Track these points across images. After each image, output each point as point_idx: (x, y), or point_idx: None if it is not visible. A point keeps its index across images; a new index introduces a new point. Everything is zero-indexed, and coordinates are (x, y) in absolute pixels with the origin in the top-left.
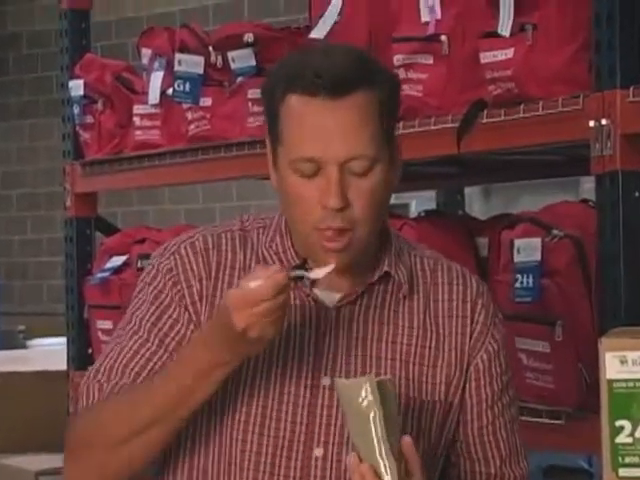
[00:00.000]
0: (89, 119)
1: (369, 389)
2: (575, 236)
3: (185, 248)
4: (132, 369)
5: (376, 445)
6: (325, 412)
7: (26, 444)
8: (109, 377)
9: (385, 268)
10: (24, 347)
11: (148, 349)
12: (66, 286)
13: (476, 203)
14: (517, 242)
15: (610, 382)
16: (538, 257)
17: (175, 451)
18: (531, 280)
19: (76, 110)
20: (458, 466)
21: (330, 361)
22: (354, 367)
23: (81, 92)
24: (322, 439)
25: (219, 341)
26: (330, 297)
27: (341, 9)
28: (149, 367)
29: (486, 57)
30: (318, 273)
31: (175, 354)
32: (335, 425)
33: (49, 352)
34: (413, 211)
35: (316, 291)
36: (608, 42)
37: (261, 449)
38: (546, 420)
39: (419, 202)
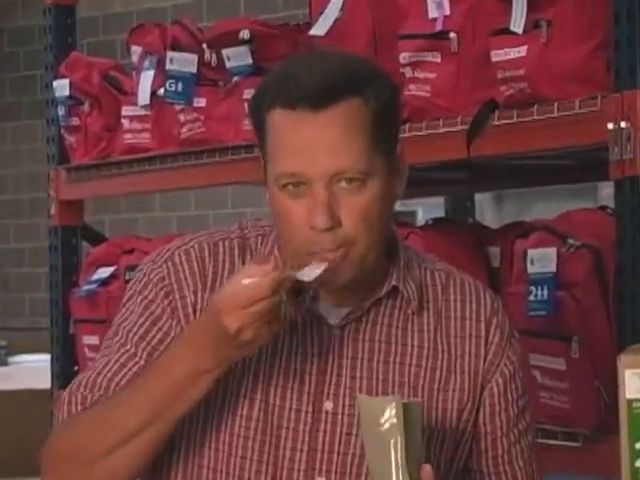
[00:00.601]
0: (75, 121)
1: (394, 411)
2: (593, 245)
3: (179, 256)
4: (117, 383)
5: (394, 472)
6: (327, 439)
7: (7, 467)
8: (92, 390)
9: (393, 282)
10: (5, 364)
11: (136, 363)
12: (50, 299)
13: (487, 210)
14: (531, 252)
15: (630, 402)
16: (553, 268)
17: (167, 473)
18: (546, 292)
19: (61, 112)
20: None
21: (333, 385)
22: (359, 391)
23: (66, 92)
24: (324, 467)
25: (205, 345)
26: (334, 313)
27: (343, 4)
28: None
29: (497, 55)
30: (309, 274)
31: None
32: (338, 453)
33: (32, 369)
34: (420, 219)
35: (320, 304)
36: (628, 40)
37: (260, 477)
38: (562, 442)
39: (426, 209)
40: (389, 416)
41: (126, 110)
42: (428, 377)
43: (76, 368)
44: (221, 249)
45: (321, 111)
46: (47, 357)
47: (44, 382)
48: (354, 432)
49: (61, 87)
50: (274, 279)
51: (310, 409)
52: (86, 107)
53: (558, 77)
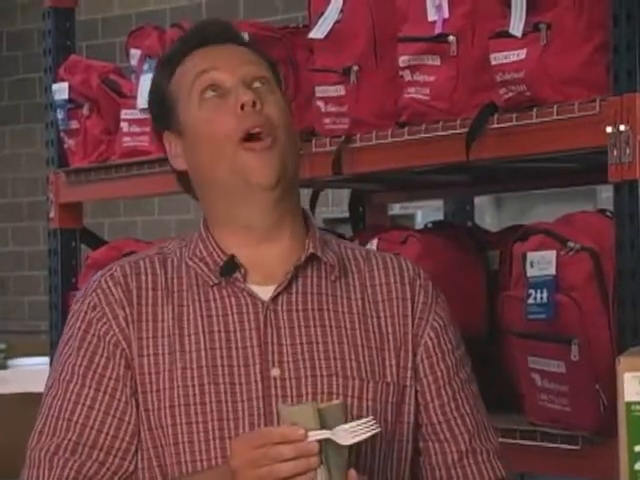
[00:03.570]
0: (74, 125)
1: (312, 415)
2: (592, 249)
3: (106, 281)
4: (76, 421)
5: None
6: (280, 402)
7: (5, 470)
8: (53, 437)
9: (311, 250)
10: (4, 367)
11: (87, 395)
12: (49, 302)
13: (487, 214)
14: (530, 255)
15: (629, 405)
16: (553, 271)
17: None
18: (545, 296)
19: (60, 115)
20: (427, 451)
21: (277, 353)
22: (301, 356)
23: (65, 96)
24: None
25: None
26: (264, 291)
27: (342, 7)
28: (93, 415)
29: (497, 58)
30: (345, 437)
31: (118, 394)
32: None
33: (31, 373)
34: (419, 222)
35: (250, 286)
36: (627, 43)
37: (226, 453)
38: (561, 445)
39: (425, 212)
40: (308, 422)
41: (125, 113)
42: (364, 338)
43: None
44: (142, 264)
45: (227, 43)
46: (46, 360)
47: (43, 386)
48: (303, 393)
49: (60, 90)
50: (305, 450)
51: (259, 378)
52: (85, 110)
53: (557, 80)
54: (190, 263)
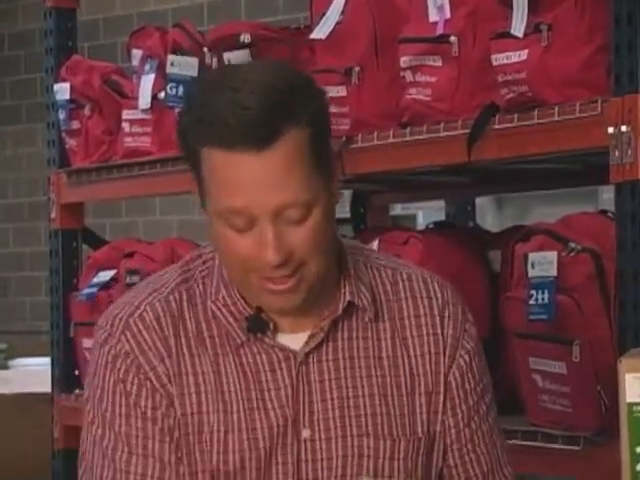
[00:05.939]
0: (75, 125)
1: None
2: (593, 249)
3: (135, 324)
4: (151, 475)
5: None
6: (310, 466)
7: (7, 472)
8: None
9: (348, 298)
10: (5, 367)
11: (154, 448)
12: (51, 302)
13: (488, 214)
14: (532, 256)
15: (630, 405)
16: (554, 272)
17: None
18: (546, 296)
19: (62, 115)
20: None
21: (307, 412)
22: (332, 413)
23: (67, 96)
24: None
25: None
26: (296, 339)
27: (344, 8)
28: (167, 470)
29: (498, 59)
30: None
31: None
32: (322, 478)
33: (32, 373)
34: (421, 223)
35: (280, 337)
36: (628, 44)
37: None
38: (562, 446)
39: (427, 213)
40: None
41: (127, 114)
42: (395, 385)
43: (76, 372)
44: (174, 305)
45: (260, 151)
46: (47, 361)
47: (44, 386)
48: (334, 455)
49: (62, 91)
50: None
51: (295, 440)
52: (87, 111)
53: (559, 81)
54: (214, 309)
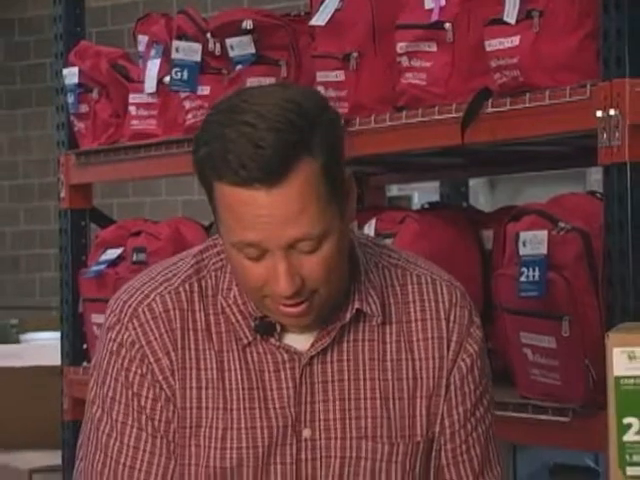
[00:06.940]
0: (84, 108)
1: None
2: (582, 229)
3: (144, 313)
4: (139, 469)
5: None
6: (310, 466)
7: (19, 441)
8: None
9: (356, 306)
10: (17, 342)
11: (146, 441)
12: (60, 279)
13: (481, 195)
14: (523, 235)
15: (617, 379)
16: (544, 250)
17: None
18: (537, 274)
19: (70, 99)
20: None
21: (309, 412)
22: (332, 414)
23: (75, 80)
24: None
25: None
26: (301, 339)
27: None
28: (155, 461)
29: (491, 45)
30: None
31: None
32: (320, 477)
33: (42, 347)
34: (416, 203)
35: (286, 337)
36: (617, 30)
37: None
38: (552, 417)
39: (422, 194)
40: None
41: (133, 97)
42: (397, 388)
43: (85, 346)
44: (183, 296)
45: (273, 188)
46: (57, 335)
47: (54, 359)
48: (332, 454)
49: (70, 75)
50: None
51: (295, 440)
52: (95, 94)
53: (549, 66)
54: (224, 305)
